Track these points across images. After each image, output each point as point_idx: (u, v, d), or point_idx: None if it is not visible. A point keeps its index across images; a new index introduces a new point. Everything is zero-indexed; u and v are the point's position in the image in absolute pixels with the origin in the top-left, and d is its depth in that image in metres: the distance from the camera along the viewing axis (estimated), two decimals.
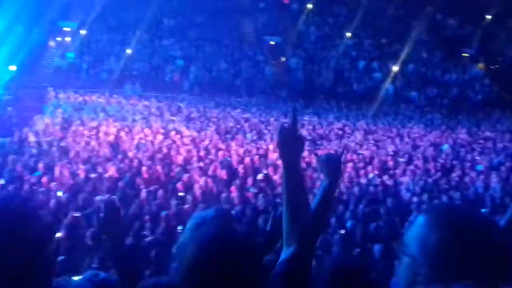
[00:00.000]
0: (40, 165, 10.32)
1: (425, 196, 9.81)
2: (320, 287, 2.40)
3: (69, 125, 14.83)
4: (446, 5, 29.84)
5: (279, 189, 9.19)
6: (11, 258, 1.28)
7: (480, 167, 12.78)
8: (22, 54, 21.51)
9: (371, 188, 10.39)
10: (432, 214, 1.33)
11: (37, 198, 8.20)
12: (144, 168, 10.51)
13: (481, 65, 29.40)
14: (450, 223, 1.28)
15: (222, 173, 10.77)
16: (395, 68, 26.97)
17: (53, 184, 9.15)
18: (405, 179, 11.32)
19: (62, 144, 12.49)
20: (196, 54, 26.60)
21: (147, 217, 7.88)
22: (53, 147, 12.11)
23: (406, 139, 16.41)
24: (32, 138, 12.83)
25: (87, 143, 12.71)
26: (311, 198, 2.07)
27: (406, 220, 8.11)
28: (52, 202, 8.13)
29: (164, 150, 12.41)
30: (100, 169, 10.38)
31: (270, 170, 11.19)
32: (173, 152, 12.25)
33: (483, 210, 8.91)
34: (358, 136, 16.46)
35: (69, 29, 26.26)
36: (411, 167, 12.42)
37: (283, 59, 27.75)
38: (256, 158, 12.19)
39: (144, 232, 7.34)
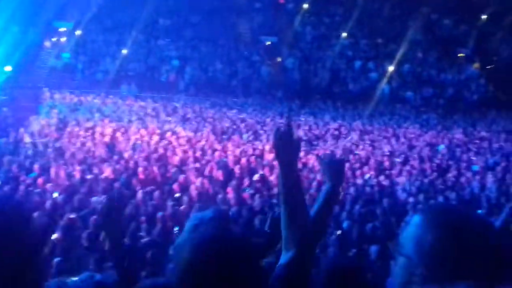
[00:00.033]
0: (36, 166, 10.28)
1: (421, 197, 9.82)
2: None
3: (64, 126, 14.74)
4: (441, 5, 29.90)
5: (276, 190, 9.21)
6: (5, 260, 1.27)
7: (476, 167, 12.82)
8: (17, 55, 21.43)
9: (367, 189, 10.40)
10: (427, 214, 1.33)
11: (32, 200, 8.18)
12: (140, 169, 10.48)
13: (476, 65, 29.50)
14: (445, 223, 1.28)
15: (218, 174, 10.77)
16: (391, 68, 27.03)
17: (48, 185, 9.10)
18: (401, 180, 11.34)
19: (58, 145, 12.44)
20: (192, 54, 26.58)
21: (143, 218, 7.84)
22: (49, 148, 12.07)
23: (402, 139, 16.43)
24: (27, 139, 12.78)
25: (83, 144, 12.66)
26: (308, 200, 2.06)
27: (402, 220, 8.12)
28: (48, 203, 8.10)
29: (160, 150, 12.38)
30: (96, 170, 10.34)
31: (266, 171, 11.19)
32: (169, 153, 12.22)
33: (479, 210, 8.92)
34: (355, 136, 16.47)
35: (64, 29, 26.19)
36: (407, 167, 12.44)
37: (279, 59, 27.74)
38: (252, 158, 12.18)
39: (140, 233, 7.32)
